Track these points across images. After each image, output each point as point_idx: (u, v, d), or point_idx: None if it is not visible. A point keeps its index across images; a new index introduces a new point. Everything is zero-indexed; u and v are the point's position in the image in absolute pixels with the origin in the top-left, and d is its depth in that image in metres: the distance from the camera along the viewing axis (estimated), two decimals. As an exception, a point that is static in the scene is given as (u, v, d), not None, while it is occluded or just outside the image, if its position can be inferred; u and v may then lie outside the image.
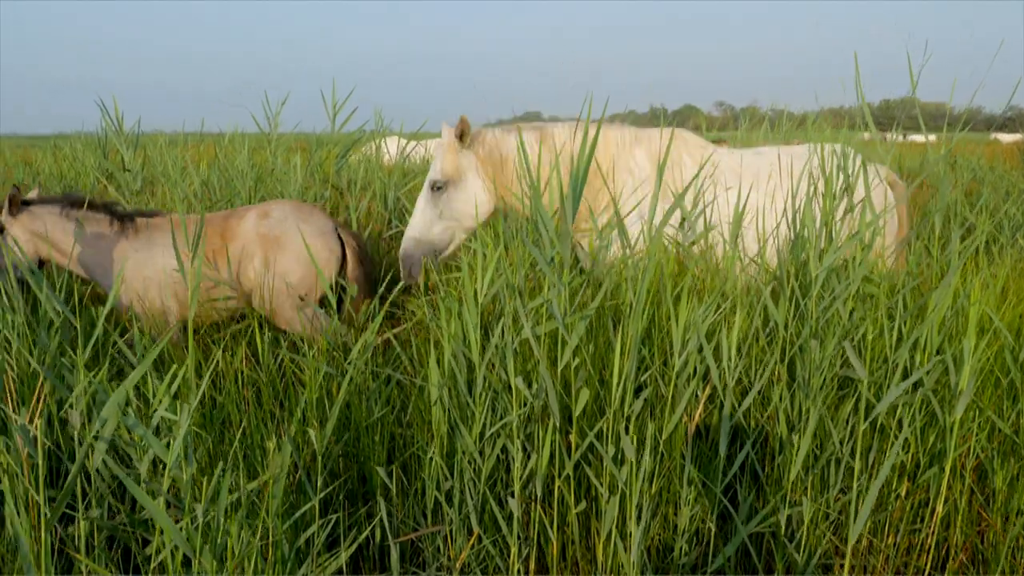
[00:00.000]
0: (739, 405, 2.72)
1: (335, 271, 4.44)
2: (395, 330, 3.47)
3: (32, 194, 4.51)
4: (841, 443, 2.74)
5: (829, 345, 2.72)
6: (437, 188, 4.29)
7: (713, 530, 2.52)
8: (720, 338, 2.72)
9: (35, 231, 4.31)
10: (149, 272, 4.29)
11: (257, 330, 3.18)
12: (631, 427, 2.50)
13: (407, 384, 3.11)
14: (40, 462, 1.80)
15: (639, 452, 2.43)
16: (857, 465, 2.38)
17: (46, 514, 1.83)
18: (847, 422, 2.84)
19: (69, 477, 1.79)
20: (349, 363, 2.84)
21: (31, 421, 2.27)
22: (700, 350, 2.68)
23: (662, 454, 2.70)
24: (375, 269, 4.66)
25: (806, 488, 2.73)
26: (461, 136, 4.25)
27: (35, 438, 1.91)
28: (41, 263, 4.42)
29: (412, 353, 3.22)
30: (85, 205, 4.36)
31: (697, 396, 2.73)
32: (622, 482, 2.42)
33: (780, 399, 2.76)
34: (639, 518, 2.42)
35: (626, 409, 2.49)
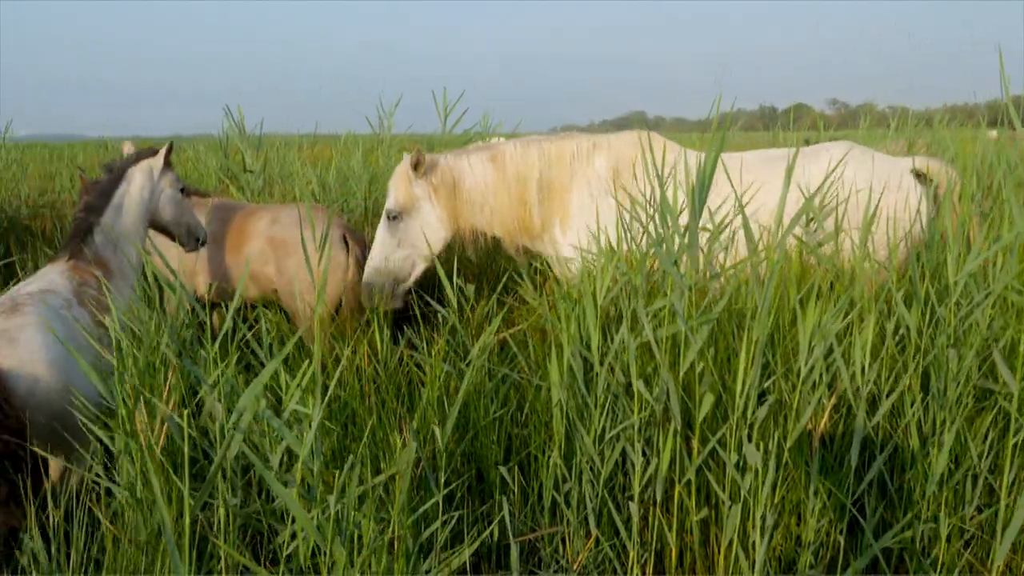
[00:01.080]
0: (868, 415, 2.61)
1: (341, 278, 4.54)
2: (511, 330, 3.49)
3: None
4: (979, 457, 2.60)
5: (967, 354, 2.58)
6: (393, 218, 4.38)
7: (842, 543, 2.43)
8: (851, 343, 2.63)
9: None
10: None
11: (377, 330, 3.25)
12: (754, 434, 2.44)
13: (524, 384, 3.13)
14: (186, 450, 1.88)
15: (764, 461, 2.37)
16: (1004, 484, 2.25)
17: (191, 503, 1.92)
18: (986, 436, 2.69)
19: (213, 466, 1.87)
20: (467, 363, 2.87)
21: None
22: (826, 356, 2.59)
23: (785, 463, 2.63)
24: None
25: (939, 504, 2.60)
26: (416, 167, 4.30)
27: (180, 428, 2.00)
28: None
29: (529, 353, 3.23)
30: None
31: (822, 404, 2.64)
32: (745, 490, 2.37)
33: (912, 410, 2.64)
34: (763, 528, 2.36)
35: (749, 415, 2.44)
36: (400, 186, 4.36)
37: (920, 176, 4.08)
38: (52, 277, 3.34)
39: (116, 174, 3.91)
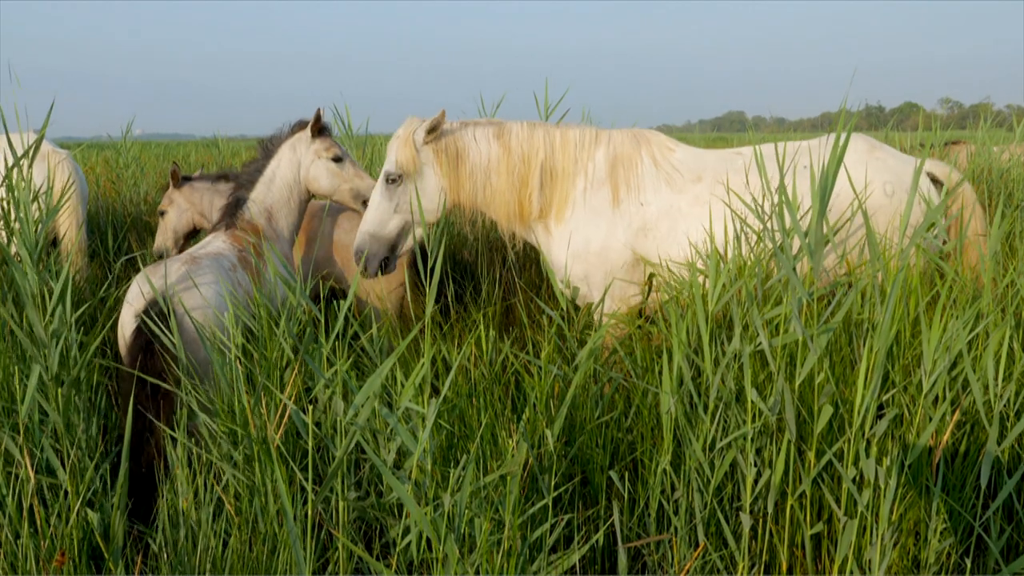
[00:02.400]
0: (998, 432, 2.49)
1: (403, 278, 4.62)
2: (617, 334, 3.48)
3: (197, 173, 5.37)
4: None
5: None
6: (392, 181, 4.14)
7: (968, 565, 2.33)
8: (977, 357, 2.51)
9: (192, 201, 5.11)
10: None
11: (483, 332, 3.29)
12: (872, 449, 2.36)
13: (630, 389, 3.11)
14: (310, 446, 1.94)
15: (886, 477, 2.29)
16: None
17: (312, 499, 1.98)
18: None
19: (335, 461, 1.93)
20: (575, 367, 2.87)
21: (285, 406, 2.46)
22: (950, 370, 2.49)
23: (904, 480, 2.53)
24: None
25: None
26: (432, 130, 4.10)
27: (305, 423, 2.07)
28: (196, 230, 5.25)
29: (637, 357, 3.21)
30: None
31: (945, 420, 2.53)
32: (862, 506, 2.29)
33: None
34: (883, 546, 2.28)
35: (866, 429, 2.36)
36: (403, 149, 4.15)
37: (934, 180, 3.88)
38: (218, 244, 3.78)
39: (269, 150, 4.22)
